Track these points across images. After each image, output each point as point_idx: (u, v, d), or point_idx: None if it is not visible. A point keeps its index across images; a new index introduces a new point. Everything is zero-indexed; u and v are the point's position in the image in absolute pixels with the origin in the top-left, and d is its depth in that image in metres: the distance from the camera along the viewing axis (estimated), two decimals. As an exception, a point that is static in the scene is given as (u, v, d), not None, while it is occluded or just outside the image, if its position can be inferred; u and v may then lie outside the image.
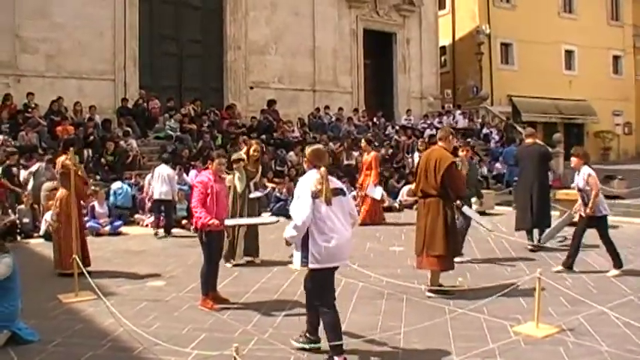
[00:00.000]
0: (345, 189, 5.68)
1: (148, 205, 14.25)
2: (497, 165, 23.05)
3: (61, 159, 9.06)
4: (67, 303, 7.48)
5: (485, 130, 26.85)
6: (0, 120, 16.46)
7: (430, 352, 5.73)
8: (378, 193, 14.54)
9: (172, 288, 8.31)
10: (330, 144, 21.35)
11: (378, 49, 27.65)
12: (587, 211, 8.71)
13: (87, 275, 7.20)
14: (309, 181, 5.40)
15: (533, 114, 32.23)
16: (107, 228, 13.21)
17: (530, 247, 10.79)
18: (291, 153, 19.94)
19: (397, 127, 24.92)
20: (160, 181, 13.20)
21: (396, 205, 17.43)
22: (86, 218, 13.16)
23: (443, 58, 32.21)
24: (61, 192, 8.98)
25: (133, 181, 15.33)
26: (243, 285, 8.29)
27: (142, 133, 19.07)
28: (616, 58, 38.31)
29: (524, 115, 31.80)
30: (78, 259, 7.64)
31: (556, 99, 33.58)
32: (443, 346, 5.85)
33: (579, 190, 8.94)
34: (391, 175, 19.65)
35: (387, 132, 24.79)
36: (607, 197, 10.36)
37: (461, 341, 5.94)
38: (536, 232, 11.00)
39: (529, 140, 11.57)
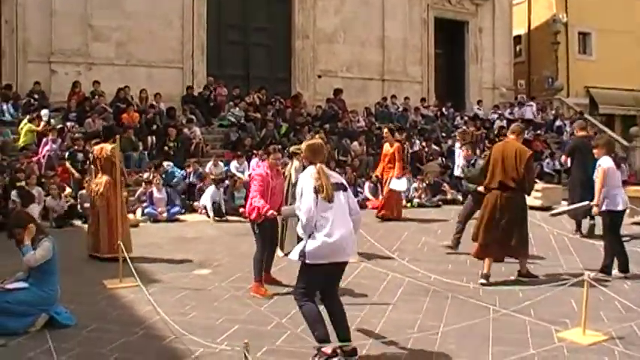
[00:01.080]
0: (345, 183, 5.44)
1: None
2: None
3: (107, 147, 9.16)
4: (110, 288, 7.57)
5: (558, 123, 25.89)
6: (68, 107, 16.93)
7: (464, 356, 5.45)
8: (402, 184, 13.46)
9: (217, 277, 8.31)
10: (397, 134, 21.02)
11: (450, 38, 26.99)
12: (595, 210, 8.33)
13: (129, 262, 7.25)
14: (310, 177, 5.26)
15: (611, 106, 30.77)
16: (165, 215, 13.40)
17: (573, 234, 11.36)
18: (355, 143, 19.75)
19: (466, 118, 24.30)
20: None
21: (460, 197, 17.04)
22: (145, 204, 13.44)
23: (518, 48, 31.20)
24: (106, 178, 9.09)
25: (191, 169, 15.43)
26: (286, 276, 8.17)
27: (206, 121, 19.22)
28: None
29: (601, 108, 30.51)
30: (122, 246, 7.70)
31: (637, 90, 31.99)
32: (480, 349, 5.57)
33: None
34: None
35: (455, 122, 24.23)
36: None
37: (500, 345, 5.64)
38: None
39: (582, 133, 11.73)
